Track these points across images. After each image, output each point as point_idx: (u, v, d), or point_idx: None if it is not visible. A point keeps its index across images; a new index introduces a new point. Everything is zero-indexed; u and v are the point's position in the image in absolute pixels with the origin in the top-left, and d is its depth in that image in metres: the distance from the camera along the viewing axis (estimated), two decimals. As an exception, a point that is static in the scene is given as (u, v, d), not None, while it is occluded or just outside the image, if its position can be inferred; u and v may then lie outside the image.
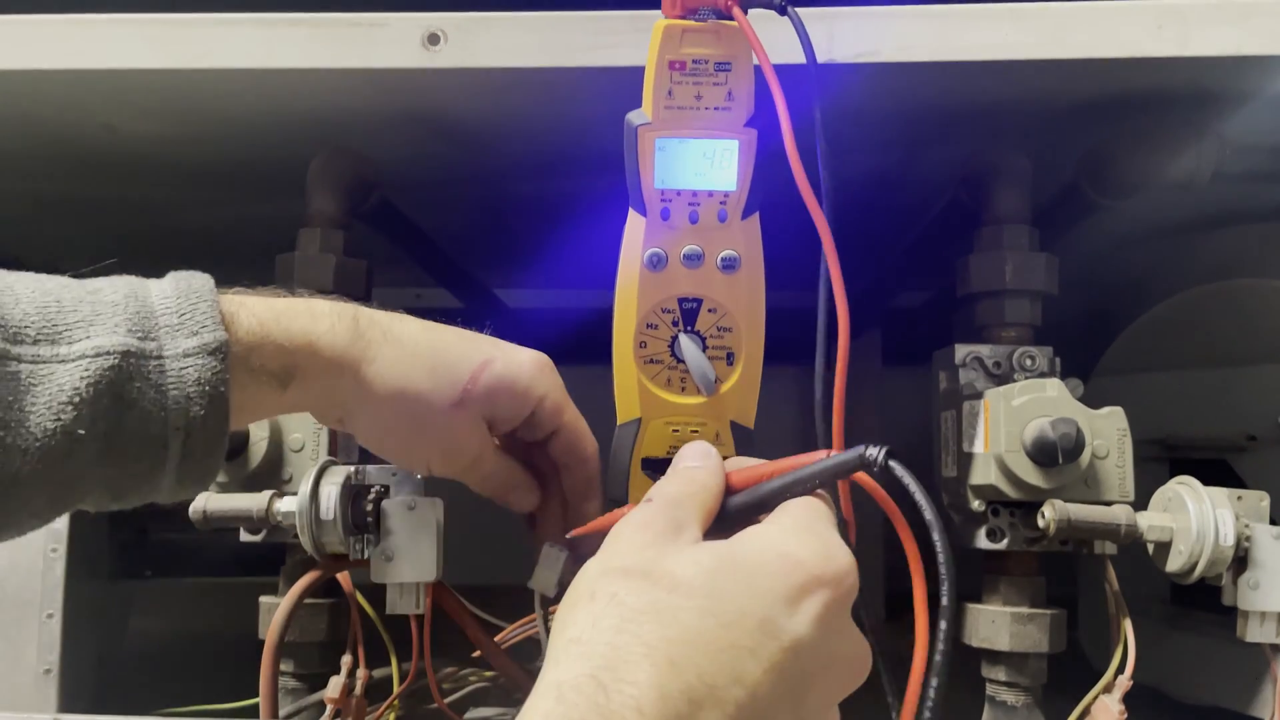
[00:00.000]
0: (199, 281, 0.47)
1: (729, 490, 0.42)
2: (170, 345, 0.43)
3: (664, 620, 0.33)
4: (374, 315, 0.50)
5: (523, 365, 0.53)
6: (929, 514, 0.37)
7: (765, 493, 0.41)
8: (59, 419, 0.40)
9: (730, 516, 0.41)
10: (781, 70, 0.50)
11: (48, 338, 0.42)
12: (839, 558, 0.37)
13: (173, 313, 0.44)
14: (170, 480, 0.44)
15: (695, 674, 0.32)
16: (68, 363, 0.41)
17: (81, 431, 0.41)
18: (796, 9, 0.51)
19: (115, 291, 0.45)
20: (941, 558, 0.36)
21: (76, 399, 0.41)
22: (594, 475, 0.57)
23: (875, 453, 0.38)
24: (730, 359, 0.56)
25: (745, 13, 0.50)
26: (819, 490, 0.41)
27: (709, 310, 0.56)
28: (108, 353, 0.42)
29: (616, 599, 0.34)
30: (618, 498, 0.60)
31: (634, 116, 0.53)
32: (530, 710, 0.32)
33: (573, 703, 0.31)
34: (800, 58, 0.52)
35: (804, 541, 0.37)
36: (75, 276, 0.47)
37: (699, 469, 0.42)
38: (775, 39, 0.51)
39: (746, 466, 0.43)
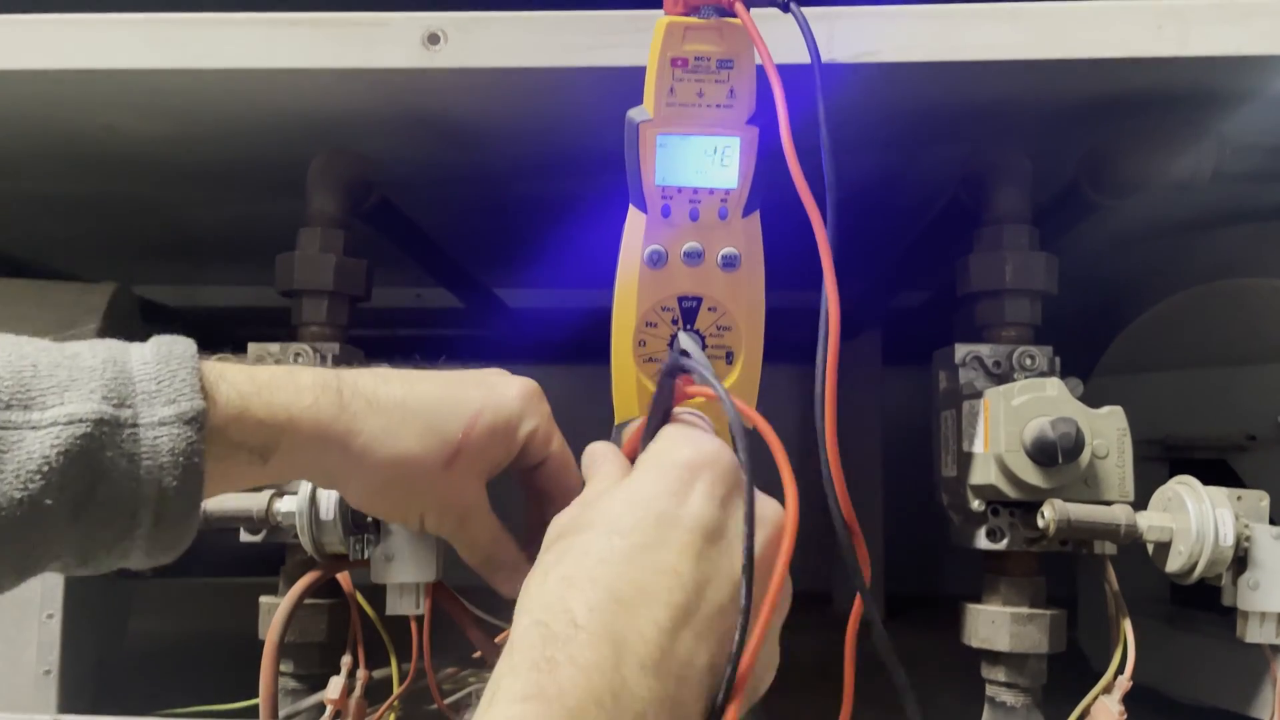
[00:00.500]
0: (180, 347, 0.45)
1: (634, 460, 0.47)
2: (146, 413, 0.42)
3: (576, 554, 0.38)
4: (358, 383, 0.49)
5: (512, 403, 0.51)
6: (719, 390, 0.41)
7: (647, 440, 0.45)
8: (26, 488, 0.39)
9: None
10: (783, 70, 0.50)
11: (20, 403, 0.41)
12: (705, 445, 0.41)
13: (151, 379, 0.43)
14: (140, 549, 0.43)
15: (617, 580, 0.36)
16: (39, 429, 0.40)
17: (49, 501, 0.40)
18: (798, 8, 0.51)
19: (94, 356, 0.43)
20: (729, 414, 0.40)
21: (46, 468, 0.40)
22: None
23: (670, 361, 0.45)
24: (730, 358, 0.56)
25: (748, 10, 0.50)
26: (689, 416, 0.45)
27: (709, 309, 0.55)
28: (80, 420, 0.41)
29: (541, 564, 0.40)
30: None
31: (635, 113, 0.53)
32: (495, 671, 0.35)
33: (523, 645, 0.35)
34: (801, 57, 0.51)
35: (672, 447, 0.42)
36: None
37: (603, 465, 0.46)
38: (777, 38, 0.51)
39: (633, 430, 0.49)
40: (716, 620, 0.37)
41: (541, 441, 0.52)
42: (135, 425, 0.42)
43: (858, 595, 0.44)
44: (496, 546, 0.53)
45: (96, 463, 0.41)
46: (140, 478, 0.42)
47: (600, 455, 0.47)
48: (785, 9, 0.51)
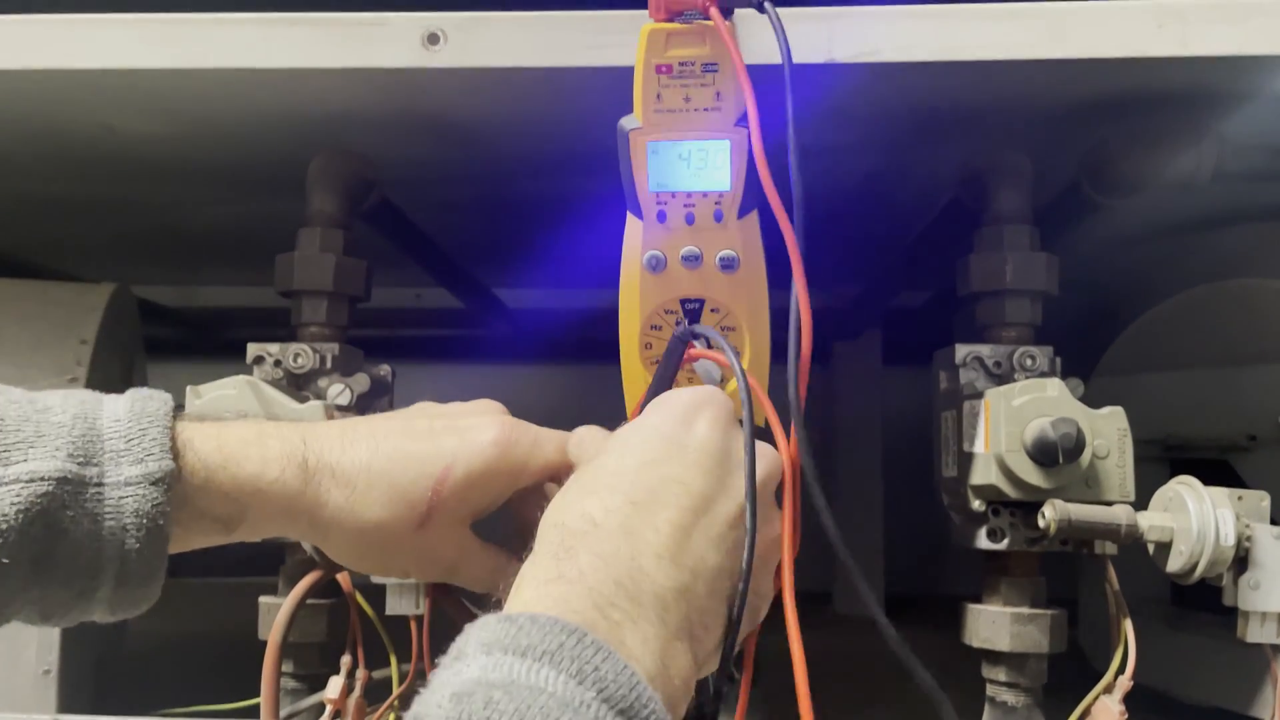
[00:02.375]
0: (154, 404, 0.44)
1: None
2: (113, 472, 0.42)
3: (591, 472, 0.42)
4: (323, 449, 0.47)
5: (484, 452, 0.48)
6: (731, 357, 0.46)
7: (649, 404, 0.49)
8: None
9: None
10: (777, 70, 0.50)
11: None
12: (704, 388, 0.46)
13: (120, 437, 0.42)
14: (102, 607, 0.43)
15: (631, 487, 0.40)
16: (1, 486, 0.40)
17: (6, 560, 0.39)
18: (798, 9, 0.51)
19: (65, 411, 0.43)
20: (735, 372, 0.45)
21: (4, 525, 0.39)
22: None
23: (681, 329, 0.49)
24: (734, 358, 0.56)
25: (729, 13, 0.50)
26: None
27: (711, 310, 0.55)
28: (43, 478, 0.40)
29: (565, 490, 0.42)
30: None
31: (625, 121, 0.53)
32: (520, 571, 0.37)
33: (543, 542, 0.38)
34: (802, 57, 0.51)
35: (673, 394, 0.46)
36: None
37: (592, 443, 0.48)
38: (767, 39, 0.51)
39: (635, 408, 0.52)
40: (726, 531, 0.40)
41: (536, 473, 0.50)
42: (100, 484, 0.41)
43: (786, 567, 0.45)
44: (498, 575, 0.50)
45: (57, 522, 0.40)
46: (102, 538, 0.41)
47: (590, 436, 0.49)
48: (760, 9, 0.51)
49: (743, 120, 0.52)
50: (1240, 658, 0.72)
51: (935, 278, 1.12)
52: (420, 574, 0.51)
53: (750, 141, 0.52)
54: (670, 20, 0.50)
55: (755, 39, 0.50)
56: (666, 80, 0.51)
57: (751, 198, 0.54)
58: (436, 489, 0.47)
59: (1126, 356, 0.98)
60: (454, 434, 0.49)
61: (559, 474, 0.50)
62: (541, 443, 0.50)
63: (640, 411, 0.48)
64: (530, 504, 0.51)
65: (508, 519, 0.52)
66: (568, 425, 0.55)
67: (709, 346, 0.49)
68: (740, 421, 0.45)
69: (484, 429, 0.49)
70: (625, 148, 0.53)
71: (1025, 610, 0.71)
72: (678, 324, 0.55)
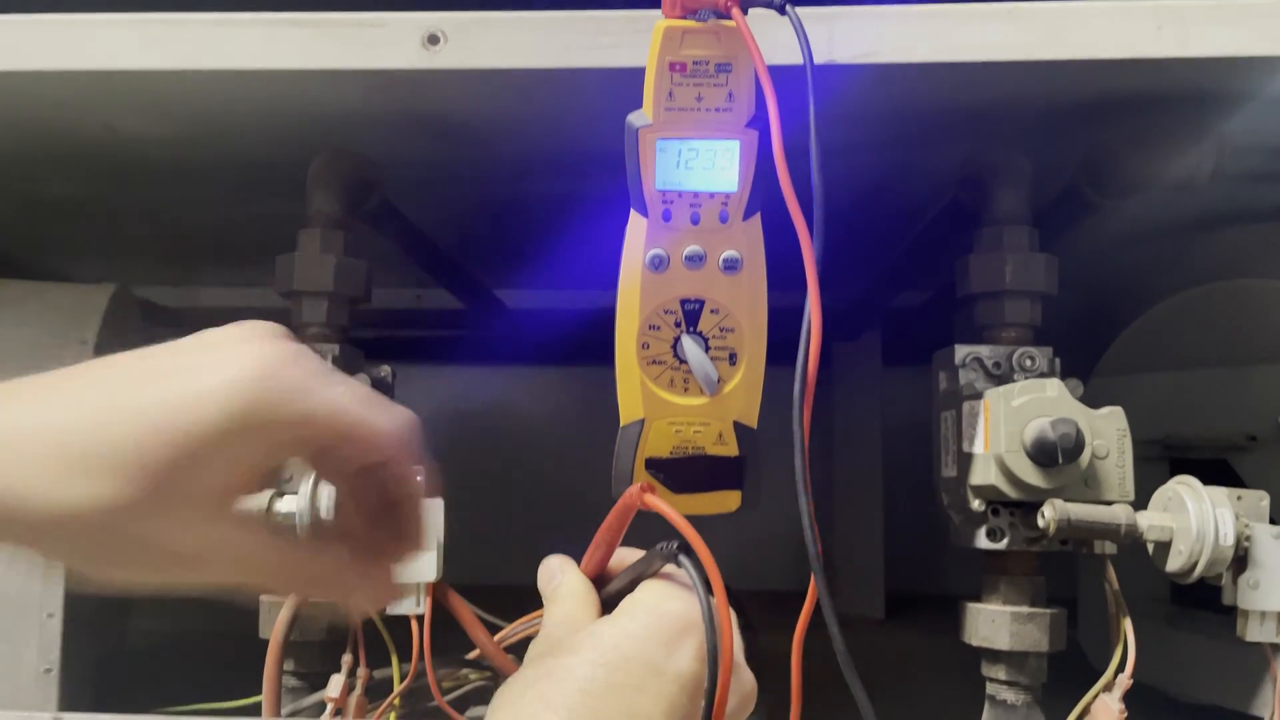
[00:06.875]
0: None
1: (596, 580, 0.47)
2: None
3: (558, 678, 0.38)
4: None
5: (226, 400, 0.34)
6: (701, 594, 0.40)
7: (626, 583, 0.45)
8: None
9: (605, 604, 0.46)
10: (784, 70, 0.50)
11: None
12: (697, 604, 0.41)
13: None
14: None
15: (591, 715, 0.37)
16: None
17: None
18: (798, 9, 0.51)
19: None
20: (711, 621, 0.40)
21: None
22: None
23: (668, 546, 0.43)
24: (733, 359, 0.57)
25: (745, 13, 0.50)
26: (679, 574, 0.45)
27: (711, 311, 0.56)
28: None
29: (522, 678, 0.40)
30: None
31: (634, 118, 0.53)
32: None
33: None
34: (801, 58, 0.51)
35: (670, 598, 0.42)
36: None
37: (563, 581, 0.46)
38: (777, 39, 0.51)
39: (588, 554, 0.48)
40: None
41: (326, 431, 0.35)
42: None
43: (808, 594, 0.45)
44: (301, 571, 0.39)
45: None
46: None
47: (559, 570, 0.47)
48: (782, 11, 0.51)
49: (753, 122, 0.52)
50: (1240, 656, 0.72)
51: (935, 278, 1.12)
52: (160, 575, 0.35)
53: (757, 144, 0.52)
54: (685, 18, 0.50)
55: (761, 40, 0.50)
56: (680, 78, 0.51)
57: (757, 200, 0.54)
58: (153, 454, 0.33)
59: (1126, 356, 0.98)
60: (186, 375, 0.34)
61: (375, 443, 0.37)
62: (329, 388, 0.36)
63: (596, 569, 0.47)
64: (363, 484, 0.40)
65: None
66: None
67: (692, 564, 0.41)
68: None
69: (226, 365, 0.34)
70: (633, 144, 0.53)
71: (1025, 609, 0.71)
72: (676, 340, 0.55)
